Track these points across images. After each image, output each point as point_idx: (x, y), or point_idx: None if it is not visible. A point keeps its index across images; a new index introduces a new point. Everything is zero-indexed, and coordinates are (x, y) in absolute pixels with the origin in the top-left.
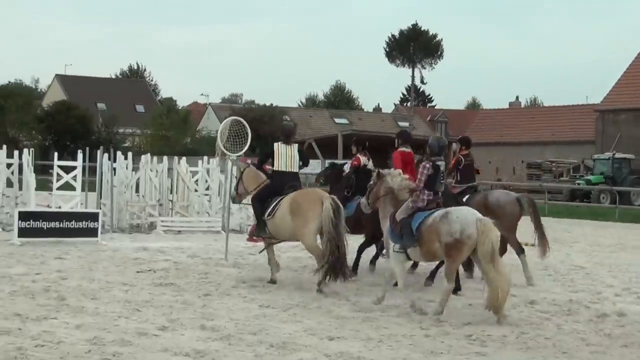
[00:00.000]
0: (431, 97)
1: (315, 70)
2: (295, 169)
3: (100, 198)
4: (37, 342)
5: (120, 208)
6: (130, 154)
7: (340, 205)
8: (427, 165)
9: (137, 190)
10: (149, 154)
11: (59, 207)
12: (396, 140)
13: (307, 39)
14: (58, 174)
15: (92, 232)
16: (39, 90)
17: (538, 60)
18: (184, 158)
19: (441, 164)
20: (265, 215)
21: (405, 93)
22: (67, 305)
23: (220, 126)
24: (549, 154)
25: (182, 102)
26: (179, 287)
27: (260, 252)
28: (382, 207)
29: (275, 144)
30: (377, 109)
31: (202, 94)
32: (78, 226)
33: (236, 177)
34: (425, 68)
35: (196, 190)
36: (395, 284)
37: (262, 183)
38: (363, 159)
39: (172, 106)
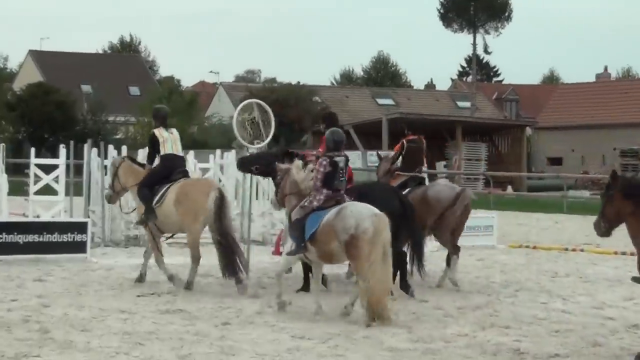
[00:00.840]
0: (497, 70)
1: (351, 39)
2: (181, 153)
3: (89, 204)
4: None
5: (114, 216)
6: (124, 148)
7: (227, 196)
8: (324, 162)
9: None
10: (147, 148)
11: (38, 216)
12: (321, 125)
13: (340, 1)
14: (36, 175)
15: (80, 247)
16: (8, 70)
17: (631, 21)
18: (191, 152)
19: (340, 159)
20: (154, 202)
21: (465, 65)
22: (51, 340)
23: (237, 111)
24: None
25: (187, 82)
26: (190, 315)
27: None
28: (287, 204)
29: (156, 130)
30: (430, 86)
31: (210, 72)
32: (62, 239)
33: (111, 174)
34: (489, 33)
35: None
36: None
37: (142, 176)
38: None
39: (175, 87)
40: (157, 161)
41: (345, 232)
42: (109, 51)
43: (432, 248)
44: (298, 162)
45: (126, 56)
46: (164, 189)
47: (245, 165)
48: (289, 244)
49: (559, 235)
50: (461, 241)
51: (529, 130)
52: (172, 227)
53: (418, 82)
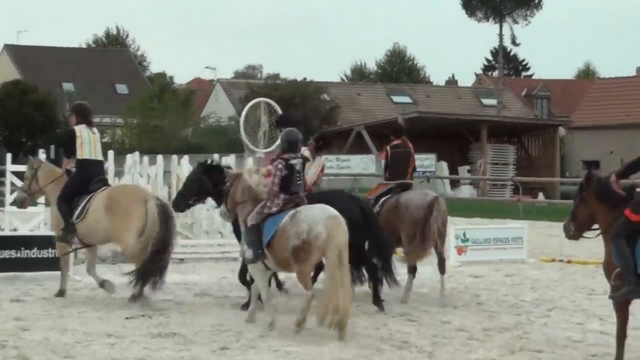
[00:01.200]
0: (527, 64)
1: (364, 30)
2: (101, 157)
3: None
4: None
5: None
6: (111, 153)
7: (167, 205)
8: (280, 166)
9: None
10: (137, 152)
11: (15, 229)
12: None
13: None
14: (12, 183)
15: None
16: None
17: None
18: (185, 157)
19: (296, 162)
20: (74, 216)
21: (491, 59)
22: None
23: (244, 111)
24: None
25: (180, 79)
26: (184, 339)
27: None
28: (241, 212)
29: (77, 128)
30: (452, 82)
31: (207, 67)
32: (42, 255)
33: (26, 176)
34: (517, 23)
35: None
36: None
37: (58, 177)
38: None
39: (167, 85)
40: (73, 166)
41: (297, 237)
42: (93, 45)
43: (455, 264)
44: (249, 167)
45: (113, 50)
46: (85, 200)
47: (181, 204)
48: (247, 252)
49: (596, 247)
50: (488, 254)
51: (562, 131)
52: (100, 237)
53: (438, 77)
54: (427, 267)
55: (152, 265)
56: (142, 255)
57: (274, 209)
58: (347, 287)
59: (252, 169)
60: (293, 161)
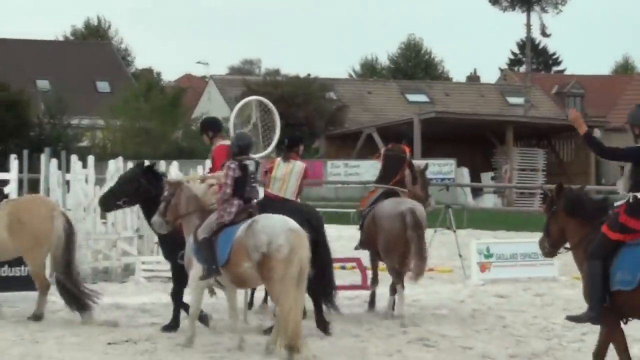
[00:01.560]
0: (558, 58)
1: (374, 20)
2: None
3: None
4: None
5: (79, 243)
6: (91, 158)
7: (73, 224)
8: (232, 166)
9: (102, 216)
10: (120, 158)
11: None
12: (207, 133)
13: None
14: None
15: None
16: None
17: None
18: (174, 162)
19: (250, 163)
20: None
21: (517, 52)
22: None
23: (234, 112)
24: None
25: (169, 76)
26: None
27: None
28: (187, 224)
29: None
30: (473, 78)
31: (198, 62)
32: (13, 273)
33: None
34: (547, 12)
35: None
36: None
37: None
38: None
39: (154, 82)
40: None
41: (256, 250)
42: (71, 38)
43: (477, 282)
44: (195, 173)
45: (93, 44)
46: None
47: (109, 203)
48: (198, 268)
49: None
50: (514, 272)
51: (597, 132)
52: (5, 256)
53: (458, 73)
54: (447, 285)
55: (73, 291)
56: (45, 280)
57: (227, 218)
58: (301, 307)
59: (196, 176)
60: (246, 162)
